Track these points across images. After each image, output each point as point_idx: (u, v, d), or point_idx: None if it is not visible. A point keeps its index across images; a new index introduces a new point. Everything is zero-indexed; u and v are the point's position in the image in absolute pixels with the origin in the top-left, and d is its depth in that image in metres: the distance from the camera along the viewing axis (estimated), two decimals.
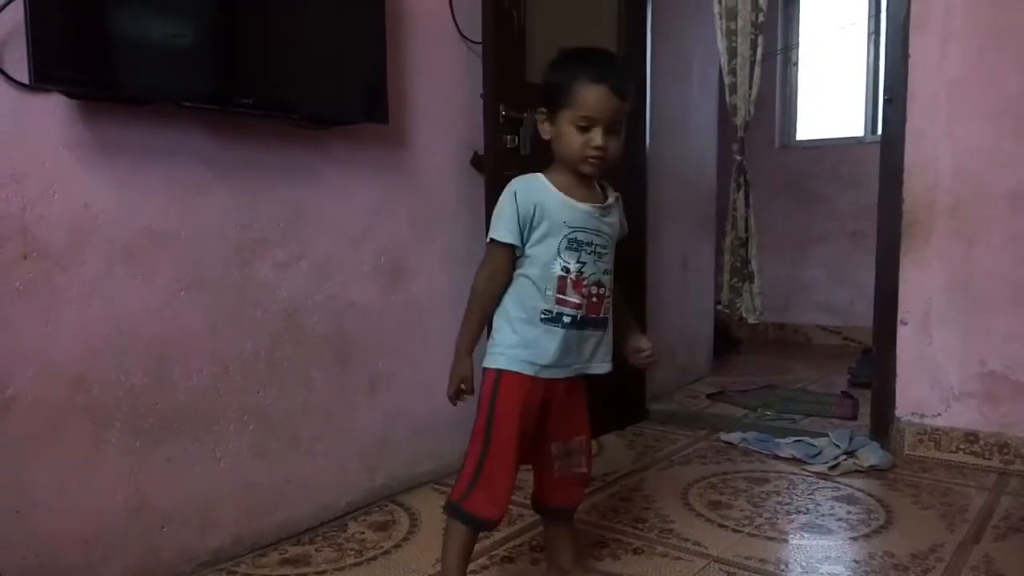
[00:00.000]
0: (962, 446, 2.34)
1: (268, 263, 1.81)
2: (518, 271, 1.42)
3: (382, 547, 1.81)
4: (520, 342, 1.40)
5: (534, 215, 1.38)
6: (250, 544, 1.79)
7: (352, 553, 1.78)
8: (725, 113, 3.18)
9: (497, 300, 1.44)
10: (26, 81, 1.36)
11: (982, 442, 2.31)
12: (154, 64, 1.48)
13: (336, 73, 1.82)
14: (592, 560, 1.71)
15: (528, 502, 1.63)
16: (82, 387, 1.49)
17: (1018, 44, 2.21)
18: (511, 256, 1.42)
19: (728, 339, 4.37)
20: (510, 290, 1.43)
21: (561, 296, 1.39)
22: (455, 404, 1.47)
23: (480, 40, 2.22)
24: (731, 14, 2.92)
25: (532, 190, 1.39)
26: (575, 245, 1.39)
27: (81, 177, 1.48)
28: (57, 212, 1.45)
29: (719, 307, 3.28)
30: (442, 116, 2.23)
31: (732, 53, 2.95)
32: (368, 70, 1.89)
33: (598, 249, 1.41)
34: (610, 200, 1.46)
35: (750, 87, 2.95)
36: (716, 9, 2.95)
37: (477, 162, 2.30)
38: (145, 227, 1.58)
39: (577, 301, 1.39)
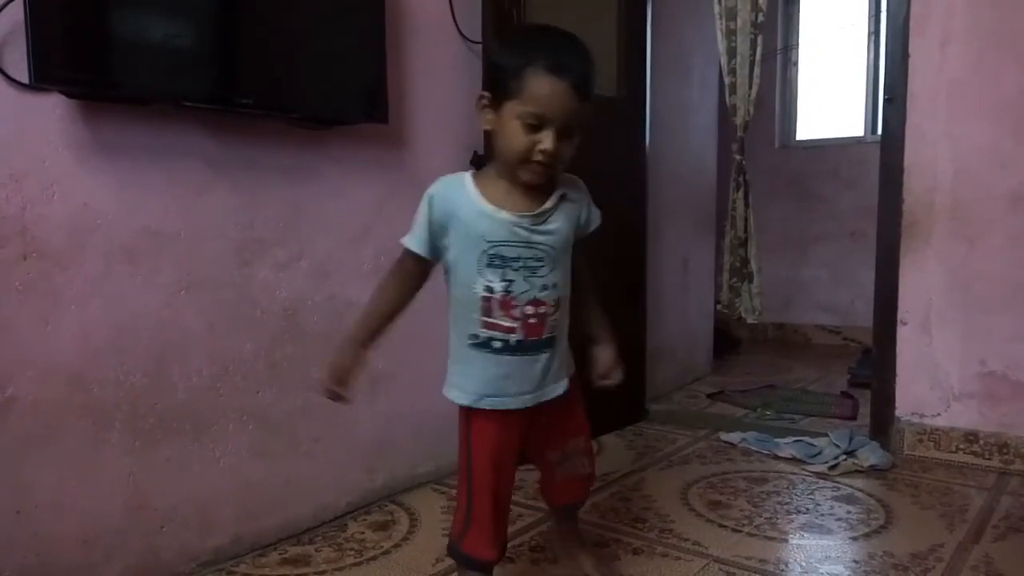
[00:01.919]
0: (962, 446, 2.34)
1: (268, 263, 1.81)
2: (449, 288, 1.29)
3: (382, 547, 1.81)
4: (463, 370, 1.28)
5: (448, 225, 1.22)
6: (250, 544, 1.79)
7: (352, 553, 1.78)
8: (725, 113, 3.19)
9: (402, 304, 1.31)
10: (26, 81, 1.36)
11: (982, 442, 2.31)
12: (154, 64, 1.48)
13: (336, 73, 1.82)
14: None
15: (528, 502, 1.64)
16: (82, 387, 1.49)
17: (1018, 45, 2.21)
18: (421, 265, 1.28)
19: (728, 339, 4.37)
20: (450, 313, 1.31)
21: (487, 319, 1.22)
22: (331, 398, 1.29)
23: (480, 40, 2.22)
24: (731, 14, 2.92)
25: (448, 196, 1.23)
26: (498, 261, 1.20)
27: (81, 177, 1.48)
28: (57, 212, 1.45)
29: (719, 307, 3.28)
30: (442, 116, 2.23)
31: (732, 53, 2.95)
32: (368, 70, 1.89)
33: (530, 263, 1.22)
34: (549, 203, 1.24)
35: (750, 87, 2.95)
36: (716, 9, 2.95)
37: (477, 162, 2.26)
38: (145, 227, 1.58)
39: (508, 324, 1.22)
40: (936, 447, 2.38)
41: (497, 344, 1.24)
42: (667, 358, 3.36)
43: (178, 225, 1.63)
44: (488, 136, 1.24)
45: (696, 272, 3.60)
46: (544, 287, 1.24)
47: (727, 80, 2.99)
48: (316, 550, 1.80)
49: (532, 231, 1.23)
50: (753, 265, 3.09)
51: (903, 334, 2.42)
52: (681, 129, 3.42)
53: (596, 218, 1.36)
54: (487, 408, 1.28)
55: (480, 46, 2.23)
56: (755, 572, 1.66)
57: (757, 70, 2.94)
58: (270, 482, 1.83)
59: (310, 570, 1.70)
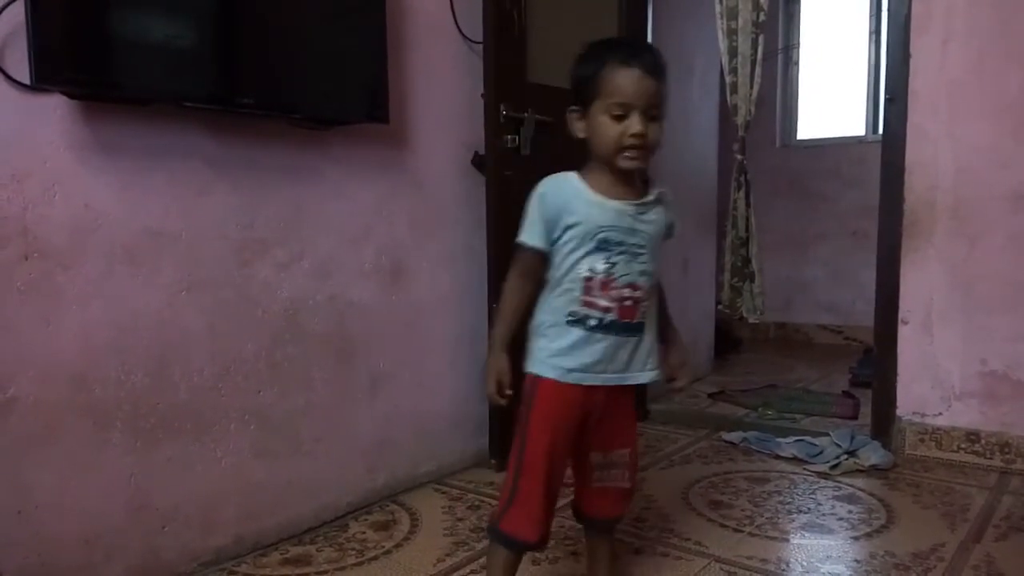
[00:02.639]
0: (963, 445, 2.34)
1: (269, 263, 1.81)
2: (550, 272, 1.35)
3: (383, 547, 1.81)
4: (550, 346, 1.33)
5: (561, 217, 1.30)
6: (251, 544, 1.79)
7: (353, 553, 1.78)
8: (726, 112, 3.18)
9: (531, 299, 1.37)
10: (27, 81, 1.36)
11: (983, 441, 2.31)
12: (155, 64, 1.48)
13: (337, 73, 1.82)
14: None
15: None
16: (83, 387, 1.49)
17: (1020, 44, 2.21)
18: (540, 259, 1.34)
19: (729, 339, 4.37)
20: (543, 292, 1.36)
21: (587, 298, 1.30)
22: (499, 403, 1.36)
23: (481, 40, 2.22)
24: (732, 13, 2.92)
25: (559, 190, 1.32)
26: (604, 245, 1.29)
27: (82, 177, 1.48)
28: (58, 212, 1.45)
29: (720, 307, 3.28)
30: (443, 116, 2.23)
31: (733, 52, 2.95)
32: (369, 70, 1.89)
33: (632, 249, 1.31)
34: (651, 196, 1.35)
35: (751, 86, 2.94)
36: (717, 8, 2.95)
37: (478, 162, 2.30)
38: (146, 227, 1.58)
39: (606, 304, 1.30)
40: (937, 446, 2.38)
41: (592, 322, 1.31)
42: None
43: (179, 225, 1.63)
44: (586, 143, 1.33)
45: (697, 272, 3.60)
46: (642, 272, 1.33)
47: (728, 79, 2.99)
48: (317, 550, 1.80)
49: (636, 219, 1.32)
50: (755, 265, 3.09)
51: (904, 333, 2.42)
52: (682, 129, 3.41)
53: (677, 226, 1.45)
54: (571, 382, 1.32)
55: (481, 46, 2.23)
56: (756, 572, 1.66)
57: (758, 69, 2.94)
58: (271, 482, 1.83)
59: (311, 570, 1.70)
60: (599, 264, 1.29)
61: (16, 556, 1.41)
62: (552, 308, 1.34)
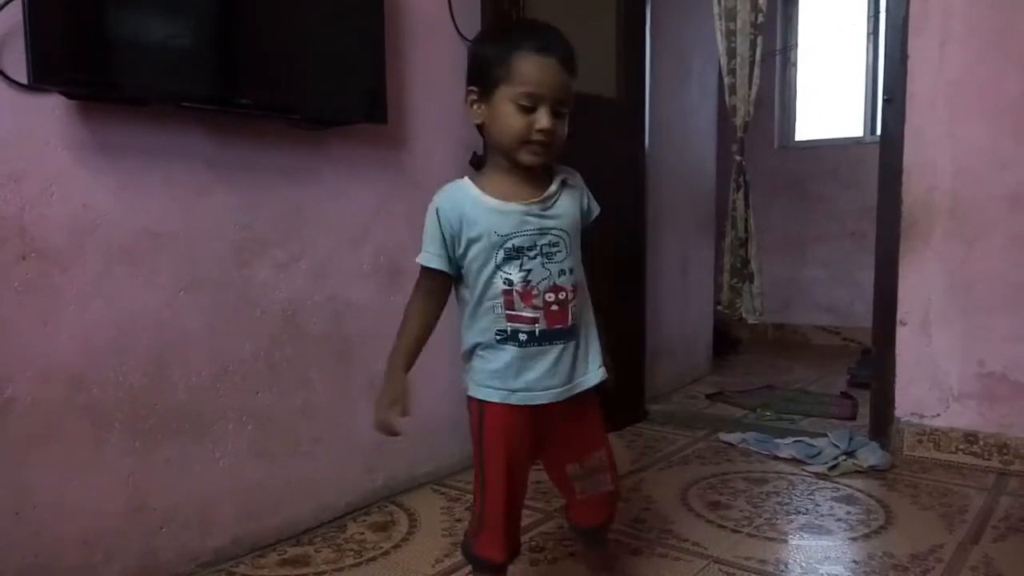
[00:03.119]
0: (961, 447, 2.34)
1: (267, 263, 1.81)
2: (464, 290, 1.28)
3: (381, 548, 1.81)
4: (487, 367, 1.26)
5: (461, 232, 1.22)
6: (249, 545, 1.79)
7: (351, 554, 1.78)
8: (724, 113, 3.19)
9: (435, 319, 1.30)
10: (25, 81, 1.36)
11: (981, 443, 2.31)
12: (153, 64, 1.48)
13: (335, 73, 1.82)
14: None
15: (529, 502, 1.63)
16: (81, 387, 1.49)
17: (1017, 45, 2.21)
18: (442, 279, 1.27)
19: (727, 339, 4.37)
20: (463, 313, 1.29)
21: (511, 312, 1.22)
22: (392, 434, 1.29)
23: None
24: (730, 14, 2.93)
25: (455, 202, 1.23)
26: (513, 253, 1.21)
27: (80, 177, 1.48)
28: (56, 212, 1.45)
29: (719, 307, 3.28)
30: (441, 116, 2.23)
31: (731, 54, 2.95)
32: (367, 70, 1.89)
33: (545, 250, 1.23)
34: (552, 187, 1.26)
35: (749, 87, 2.95)
36: (715, 10, 2.95)
37: (476, 162, 2.27)
38: (144, 227, 1.58)
39: (531, 315, 1.22)
40: (936, 447, 2.38)
41: (523, 336, 1.23)
42: (666, 359, 3.36)
43: (178, 226, 1.63)
44: (482, 129, 1.25)
45: (695, 273, 3.60)
46: (561, 272, 1.25)
47: (727, 81, 3.00)
48: (316, 551, 1.80)
49: (543, 217, 1.24)
50: (754, 265, 3.09)
51: (902, 334, 2.42)
52: (680, 130, 3.41)
53: (596, 207, 1.37)
54: (516, 404, 1.25)
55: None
56: (755, 573, 1.66)
57: (757, 71, 2.94)
58: (270, 482, 1.83)
59: (309, 571, 1.70)
60: (514, 274, 1.21)
61: (15, 556, 1.41)
62: (479, 329, 1.26)
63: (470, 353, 1.30)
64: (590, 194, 1.36)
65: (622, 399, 2.83)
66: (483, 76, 1.22)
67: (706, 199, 3.66)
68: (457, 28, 2.23)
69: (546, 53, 1.17)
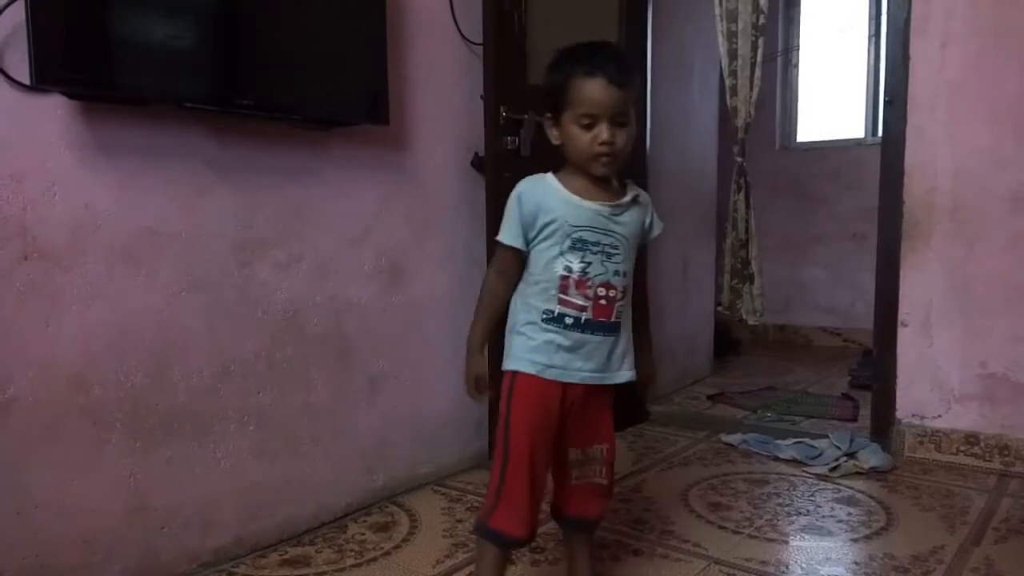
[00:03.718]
0: (963, 448, 2.34)
1: (268, 264, 1.81)
2: (525, 271, 1.39)
3: (382, 548, 1.81)
4: (528, 343, 1.36)
5: (537, 216, 1.34)
6: (250, 545, 1.79)
7: (352, 554, 1.78)
8: (726, 115, 3.19)
9: (507, 299, 1.40)
10: (27, 82, 1.36)
11: (983, 444, 2.31)
12: (155, 65, 1.48)
13: (337, 74, 1.82)
14: None
15: None
16: (82, 388, 1.49)
17: (1018, 46, 2.21)
18: (518, 258, 1.38)
19: (728, 340, 4.37)
20: (518, 291, 1.40)
21: (563, 296, 1.34)
22: (477, 399, 1.43)
23: (481, 41, 2.22)
24: (732, 16, 2.92)
25: (536, 191, 1.36)
26: (580, 245, 1.33)
27: (82, 178, 1.48)
28: (58, 213, 1.45)
29: (719, 308, 3.28)
30: (443, 117, 2.23)
31: (733, 55, 2.95)
32: (369, 71, 1.89)
33: (607, 249, 1.35)
34: (627, 198, 1.39)
35: (751, 89, 2.95)
36: (717, 11, 2.95)
37: (478, 163, 2.30)
38: (146, 228, 1.58)
39: (580, 303, 1.34)
40: (937, 449, 2.38)
41: (569, 320, 1.34)
42: (667, 360, 3.36)
43: (179, 226, 1.63)
44: (561, 148, 1.38)
45: (696, 274, 3.60)
46: (616, 272, 1.36)
47: (728, 82, 2.99)
48: (316, 551, 1.80)
49: (611, 220, 1.36)
50: (754, 266, 3.09)
51: (904, 336, 2.42)
52: (681, 131, 3.42)
53: (658, 227, 1.49)
54: (550, 378, 1.34)
55: (481, 47, 2.23)
56: (756, 574, 1.66)
57: (758, 72, 2.94)
58: (270, 483, 1.83)
59: (310, 571, 1.70)
60: (574, 263, 1.33)
61: (15, 556, 1.41)
62: (529, 306, 1.37)
63: (514, 329, 1.39)
64: (655, 214, 1.48)
65: (623, 400, 2.82)
66: (551, 104, 1.35)
67: (707, 200, 3.66)
68: (459, 28, 2.23)
69: (595, 74, 1.29)
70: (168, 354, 1.63)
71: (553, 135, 1.38)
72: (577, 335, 1.35)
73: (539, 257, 1.36)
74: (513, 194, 1.37)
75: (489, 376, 1.39)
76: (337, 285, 1.96)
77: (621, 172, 1.39)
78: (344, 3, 1.84)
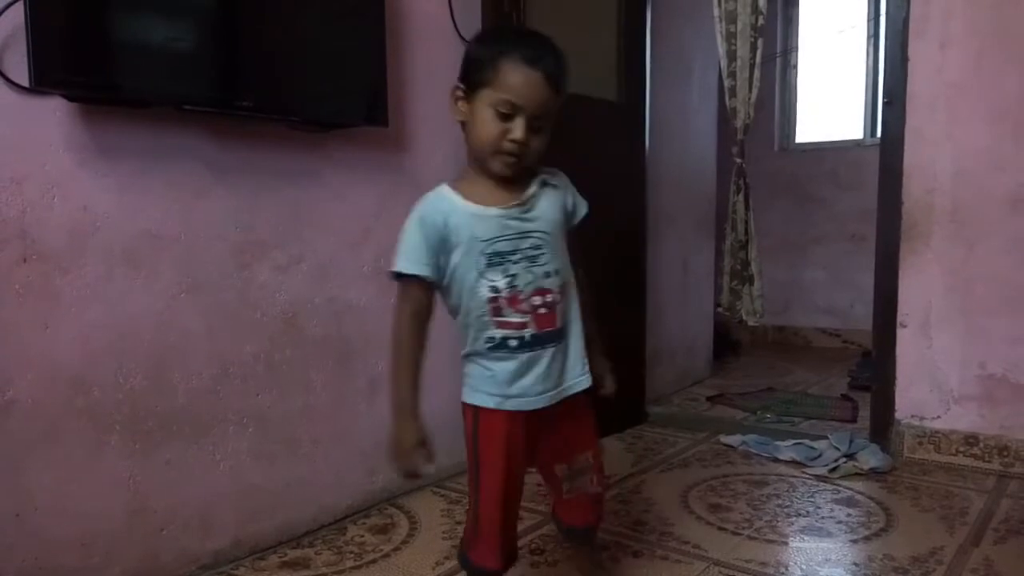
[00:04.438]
0: (962, 449, 2.34)
1: (268, 265, 1.81)
2: (449, 301, 1.26)
3: (381, 550, 1.81)
4: (484, 373, 1.25)
5: (447, 237, 1.20)
6: (249, 547, 1.79)
7: (351, 556, 1.78)
8: (725, 116, 3.19)
9: (424, 342, 1.26)
10: (26, 84, 1.36)
11: (982, 445, 2.31)
12: (154, 67, 1.48)
13: (336, 76, 1.82)
14: None
15: (528, 504, 1.63)
16: (82, 390, 1.49)
17: (1018, 47, 2.21)
18: (429, 290, 1.24)
19: (728, 342, 4.37)
20: (457, 321, 1.28)
21: (499, 319, 1.21)
22: (415, 479, 1.27)
23: None
24: (730, 17, 2.93)
25: (438, 209, 1.21)
26: (497, 259, 1.20)
27: (81, 180, 1.48)
28: (57, 215, 1.45)
29: (719, 310, 3.28)
30: (442, 119, 2.22)
31: (731, 56, 2.95)
32: (368, 73, 1.89)
33: (528, 253, 1.22)
34: (531, 190, 1.25)
35: (750, 90, 2.95)
36: (716, 12, 2.96)
37: None
38: (145, 230, 1.58)
39: (519, 320, 1.22)
40: (936, 450, 2.38)
41: (513, 343, 1.23)
42: (667, 361, 3.36)
43: (178, 228, 1.63)
44: (463, 128, 1.24)
45: (696, 275, 3.60)
46: (546, 274, 1.24)
47: (727, 83, 3.00)
48: (316, 553, 1.80)
49: (523, 220, 1.23)
50: (754, 267, 3.09)
51: (903, 336, 2.42)
52: (681, 132, 3.42)
53: (583, 206, 1.35)
54: (511, 409, 1.25)
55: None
56: (755, 575, 1.66)
57: (757, 73, 2.94)
58: (270, 485, 1.83)
59: (309, 573, 1.70)
60: (499, 281, 1.20)
61: (15, 558, 1.41)
62: (469, 338, 1.26)
63: (466, 359, 1.30)
64: (576, 193, 1.34)
65: (623, 401, 2.83)
66: (470, 75, 1.20)
67: (706, 201, 3.67)
68: (458, 30, 2.23)
69: (534, 65, 1.16)
70: (167, 356, 1.63)
71: (459, 109, 1.23)
72: (527, 354, 1.23)
73: (458, 284, 1.23)
74: (412, 217, 1.22)
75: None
76: (337, 287, 1.96)
77: (514, 175, 1.24)
78: (343, 5, 1.84)
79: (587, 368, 1.32)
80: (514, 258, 1.21)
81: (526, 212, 1.24)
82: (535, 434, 1.30)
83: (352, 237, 2.00)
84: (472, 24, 2.22)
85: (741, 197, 3.06)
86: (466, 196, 1.23)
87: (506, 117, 1.16)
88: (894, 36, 2.41)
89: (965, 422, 2.34)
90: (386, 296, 2.08)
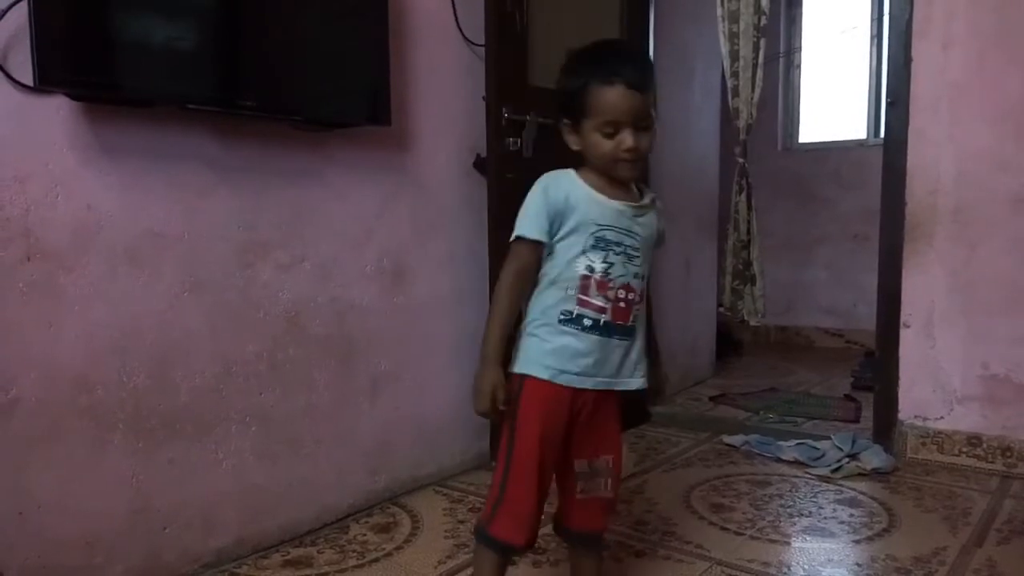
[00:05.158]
0: (965, 449, 2.34)
1: (270, 265, 1.81)
2: (543, 270, 1.32)
3: (384, 549, 1.81)
4: (542, 346, 1.30)
5: (564, 211, 1.28)
6: (252, 546, 1.79)
7: (354, 555, 1.78)
8: (727, 116, 3.18)
9: (522, 302, 1.33)
10: (30, 83, 1.36)
11: (985, 445, 2.31)
12: (158, 66, 1.48)
13: (339, 75, 1.82)
14: None
15: None
16: (85, 388, 1.50)
17: (1020, 48, 2.21)
18: (538, 254, 1.31)
19: (730, 342, 4.37)
20: (537, 289, 1.33)
21: (583, 297, 1.28)
22: (493, 419, 1.31)
23: (483, 42, 2.22)
24: (733, 17, 2.92)
25: (561, 185, 1.30)
26: (602, 244, 1.28)
27: (84, 179, 1.48)
28: (60, 214, 1.45)
29: (721, 310, 3.28)
30: (444, 118, 2.23)
31: (734, 56, 2.95)
32: (371, 72, 1.90)
33: (628, 250, 1.30)
34: (646, 200, 1.36)
35: (752, 90, 2.95)
36: (718, 12, 2.95)
37: (480, 164, 2.30)
38: (148, 229, 1.58)
39: (600, 304, 1.28)
40: (939, 450, 2.38)
41: (587, 322, 1.29)
42: (669, 361, 3.31)
43: (181, 227, 1.64)
44: (582, 153, 1.34)
45: (698, 274, 3.60)
46: (636, 275, 1.32)
47: (730, 83, 2.99)
48: (318, 552, 1.80)
49: (633, 220, 1.32)
50: (756, 267, 3.09)
51: (906, 337, 2.42)
52: (683, 132, 3.42)
53: (665, 235, 1.44)
54: (562, 384, 1.29)
55: (482, 48, 2.23)
56: (758, 575, 1.66)
57: (760, 73, 2.94)
58: (272, 483, 1.83)
59: (312, 572, 1.70)
60: (597, 263, 1.28)
61: (18, 557, 1.41)
62: (545, 307, 1.31)
63: (527, 330, 1.33)
64: (665, 224, 1.44)
65: (625, 401, 2.82)
66: (569, 111, 1.31)
67: (709, 201, 3.66)
68: (460, 29, 2.24)
69: (613, 81, 1.25)
70: (170, 355, 1.63)
71: (572, 141, 1.33)
72: (595, 338, 1.30)
73: (559, 255, 1.30)
74: (538, 185, 1.31)
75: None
76: (339, 286, 1.96)
77: (637, 175, 1.36)
78: (345, 4, 1.84)
79: (643, 373, 1.39)
80: (616, 249, 1.30)
81: (637, 215, 1.33)
82: (574, 420, 1.33)
83: (355, 236, 2.00)
84: (475, 23, 2.22)
85: (744, 197, 3.05)
86: (588, 183, 1.31)
87: (612, 134, 1.27)
88: (897, 37, 2.40)
89: (968, 422, 2.34)
90: (388, 296, 2.09)
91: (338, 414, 1.98)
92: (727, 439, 2.65)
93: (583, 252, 1.28)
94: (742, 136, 3.01)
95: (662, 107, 3.14)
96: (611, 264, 1.29)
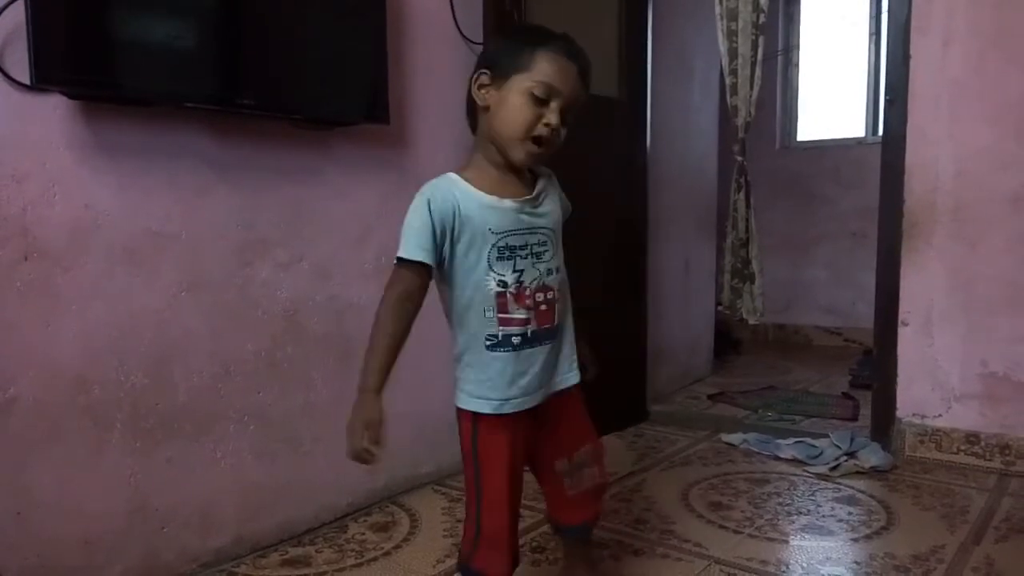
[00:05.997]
0: (963, 447, 2.34)
1: (269, 263, 1.81)
2: (449, 294, 1.23)
3: (382, 548, 1.81)
4: (477, 375, 1.23)
5: (455, 225, 1.17)
6: (250, 545, 1.79)
7: (352, 554, 1.78)
8: (726, 114, 3.18)
9: (409, 328, 1.20)
10: (27, 81, 1.36)
11: (983, 443, 2.31)
12: (156, 65, 1.48)
13: (337, 74, 1.82)
14: None
15: (528, 502, 1.62)
16: (83, 388, 1.49)
17: (1020, 46, 2.21)
18: (424, 277, 1.19)
19: (729, 340, 4.37)
20: (452, 320, 1.26)
21: (503, 315, 1.20)
22: (365, 462, 1.18)
23: (481, 41, 2.22)
24: (732, 15, 2.92)
25: (447, 195, 1.17)
26: (507, 252, 1.19)
27: (82, 178, 1.48)
28: (58, 213, 1.45)
29: (720, 308, 3.28)
30: (443, 116, 2.23)
31: (733, 54, 2.95)
32: (369, 71, 1.89)
33: (535, 249, 1.22)
34: (539, 186, 1.25)
35: (751, 88, 2.94)
36: (717, 10, 2.95)
37: None
38: (146, 228, 1.58)
39: (523, 316, 1.21)
40: (937, 448, 2.38)
41: (516, 340, 1.22)
42: (668, 359, 3.36)
43: (179, 226, 1.63)
44: (478, 115, 1.23)
45: (697, 273, 3.60)
46: (549, 271, 1.24)
47: (728, 81, 2.99)
48: (317, 551, 1.80)
49: (533, 215, 1.23)
50: (755, 266, 3.09)
51: (904, 335, 2.42)
52: (682, 130, 3.41)
53: (569, 205, 1.36)
54: (509, 412, 1.23)
55: (481, 47, 2.23)
56: (756, 573, 1.66)
57: (758, 71, 2.94)
58: (271, 483, 1.83)
59: (311, 571, 1.70)
60: (507, 275, 1.19)
61: (16, 557, 1.41)
62: (468, 335, 1.23)
63: (459, 362, 1.27)
64: (563, 193, 1.36)
65: (624, 400, 2.83)
66: (500, 62, 1.20)
67: (707, 199, 3.66)
68: (459, 28, 2.23)
69: (571, 58, 1.19)
70: (168, 354, 1.63)
71: (483, 96, 1.21)
72: (526, 351, 1.22)
73: (462, 275, 1.20)
74: (418, 198, 1.18)
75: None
76: (338, 285, 1.96)
77: (538, 163, 1.25)
78: (345, 3, 1.83)
79: (575, 364, 1.33)
80: (522, 253, 1.21)
81: (536, 207, 1.24)
82: (532, 432, 1.29)
83: (353, 235, 2.00)
84: (474, 22, 2.22)
85: (742, 195, 3.05)
86: (476, 186, 1.20)
87: (541, 103, 1.16)
88: (896, 34, 2.40)
89: (966, 420, 2.34)
90: None
91: (337, 413, 1.96)
92: (725, 437, 2.65)
93: (489, 268, 1.19)
94: (740, 134, 3.01)
95: (661, 106, 3.16)
96: (521, 271, 1.21)
